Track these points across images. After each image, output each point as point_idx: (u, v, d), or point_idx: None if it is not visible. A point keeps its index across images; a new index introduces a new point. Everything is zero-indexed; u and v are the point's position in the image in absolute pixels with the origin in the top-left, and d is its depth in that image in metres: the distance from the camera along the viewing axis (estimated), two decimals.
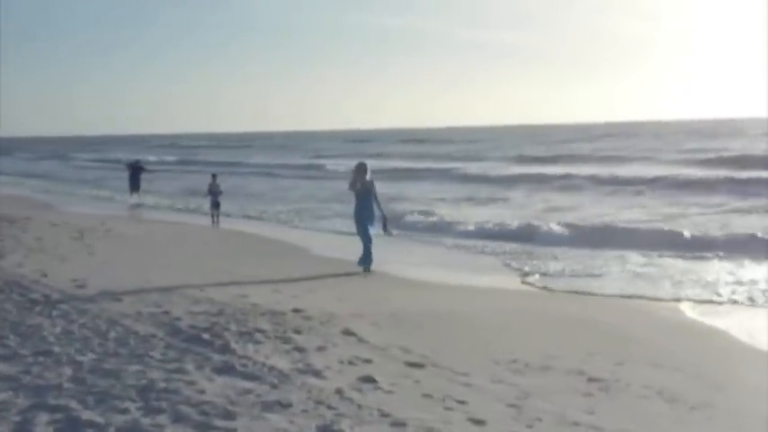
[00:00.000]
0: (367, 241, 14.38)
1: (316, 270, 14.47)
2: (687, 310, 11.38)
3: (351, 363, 7.53)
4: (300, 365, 7.30)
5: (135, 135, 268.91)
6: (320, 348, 7.99)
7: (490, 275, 14.56)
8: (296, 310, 9.79)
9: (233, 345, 7.91)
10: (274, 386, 6.63)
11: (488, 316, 10.48)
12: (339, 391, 6.49)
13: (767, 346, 9.39)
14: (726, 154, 46.79)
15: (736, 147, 55.54)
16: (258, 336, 8.38)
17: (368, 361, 7.63)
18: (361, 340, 8.54)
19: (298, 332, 8.65)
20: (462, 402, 6.44)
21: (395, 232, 15.75)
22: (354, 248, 14.88)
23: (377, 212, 14.71)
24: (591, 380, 7.47)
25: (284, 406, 6.06)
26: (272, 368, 7.14)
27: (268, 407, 6.04)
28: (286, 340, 8.25)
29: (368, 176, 14.57)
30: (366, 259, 14.43)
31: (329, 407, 6.10)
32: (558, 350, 8.63)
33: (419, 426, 5.74)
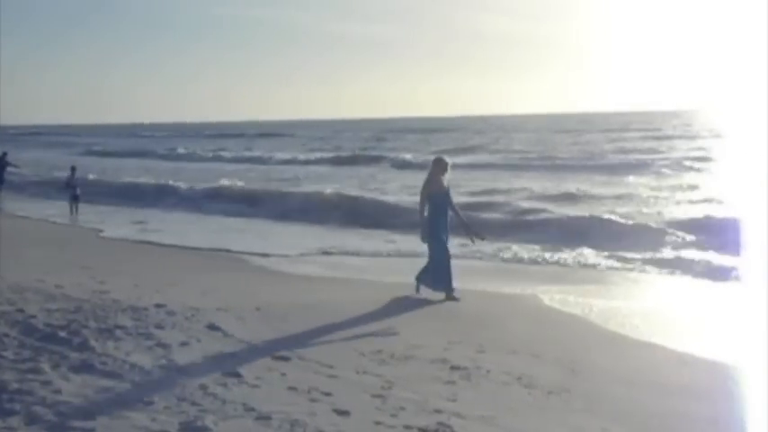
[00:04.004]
0: (444, 258, 11.36)
1: (179, 263, 14.19)
2: (543, 299, 11.79)
3: (215, 358, 7.43)
4: (163, 362, 7.16)
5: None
6: (184, 344, 7.85)
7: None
8: (158, 305, 9.56)
9: (92, 342, 7.66)
10: (136, 384, 6.47)
11: (353, 308, 10.55)
12: (203, 387, 6.41)
13: (620, 330, 9.85)
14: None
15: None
16: (119, 332, 8.14)
17: (233, 355, 7.56)
18: (226, 335, 8.44)
19: (160, 328, 8.46)
20: (327, 394, 6.48)
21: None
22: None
23: (455, 221, 11.77)
24: (453, 368, 7.65)
25: (146, 403, 5.93)
26: (133, 365, 6.97)
27: (129, 405, 5.89)
28: (148, 336, 8.05)
29: (446, 178, 11.59)
30: (442, 281, 11.39)
31: (193, 403, 6.01)
32: (421, 340, 8.79)
33: (284, 419, 5.74)
